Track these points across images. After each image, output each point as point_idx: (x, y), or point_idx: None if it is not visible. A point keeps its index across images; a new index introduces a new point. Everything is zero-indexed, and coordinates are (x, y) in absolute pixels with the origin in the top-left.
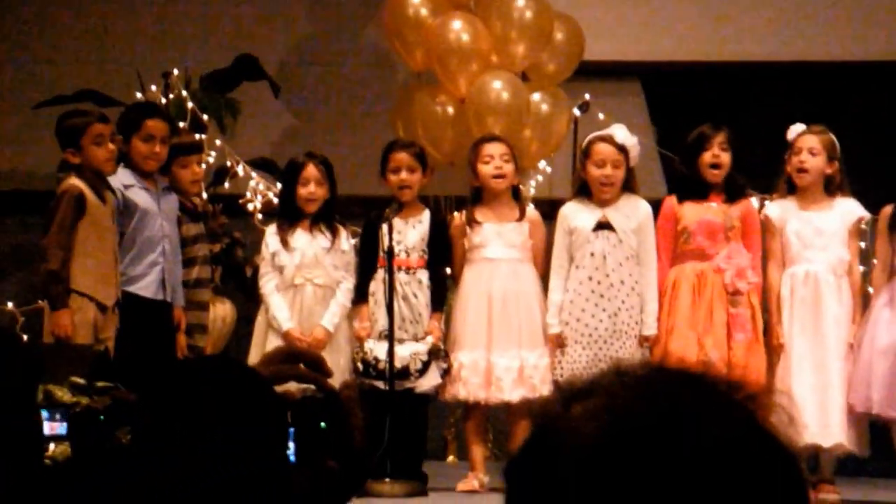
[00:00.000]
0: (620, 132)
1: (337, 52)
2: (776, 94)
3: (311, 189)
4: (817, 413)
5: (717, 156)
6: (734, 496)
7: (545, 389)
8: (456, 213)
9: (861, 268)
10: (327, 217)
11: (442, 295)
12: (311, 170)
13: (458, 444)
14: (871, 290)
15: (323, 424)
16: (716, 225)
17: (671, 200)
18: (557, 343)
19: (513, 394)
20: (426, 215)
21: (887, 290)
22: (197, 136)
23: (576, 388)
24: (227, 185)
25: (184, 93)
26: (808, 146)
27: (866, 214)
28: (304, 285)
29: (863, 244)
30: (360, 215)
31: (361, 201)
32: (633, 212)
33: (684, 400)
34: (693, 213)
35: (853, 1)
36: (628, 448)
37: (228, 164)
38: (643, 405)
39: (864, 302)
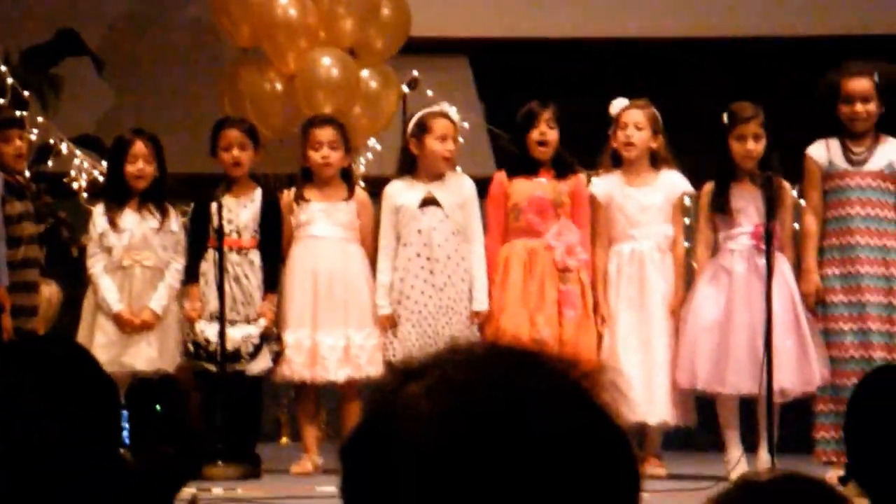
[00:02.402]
0: (449, 109)
1: (162, 26)
2: (603, 70)
3: (140, 166)
4: (643, 389)
5: (544, 133)
6: (569, 472)
7: (372, 370)
8: (286, 191)
9: (686, 244)
10: (156, 196)
11: (274, 275)
12: (140, 147)
13: (292, 426)
14: (695, 265)
15: (158, 407)
16: (546, 202)
17: (501, 177)
18: (389, 324)
19: (338, 373)
20: (258, 194)
21: (710, 267)
22: (18, 113)
23: (410, 367)
24: (50, 163)
25: (2, 68)
26: (634, 121)
27: (689, 189)
28: (133, 267)
29: (687, 220)
30: (190, 194)
31: (190, 180)
32: (458, 188)
33: (519, 378)
34: (523, 189)
35: None
36: (463, 426)
37: (52, 141)
38: (478, 383)
39: (687, 277)
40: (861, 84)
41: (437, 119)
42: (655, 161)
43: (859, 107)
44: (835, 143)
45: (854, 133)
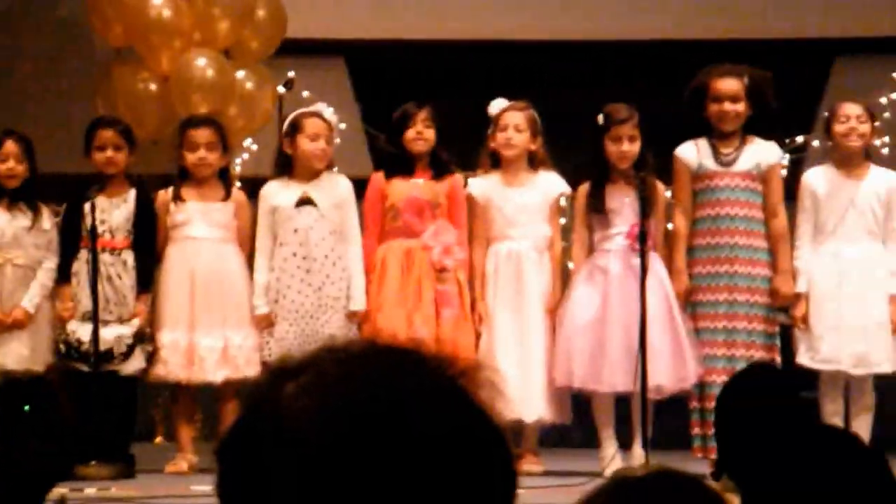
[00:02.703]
0: (325, 109)
1: (34, 25)
2: (480, 72)
3: (10, 165)
4: (520, 387)
5: (420, 132)
6: (447, 469)
7: (250, 370)
8: (162, 191)
9: (562, 242)
10: (27, 195)
11: (148, 276)
12: (10, 146)
13: (167, 425)
14: (571, 265)
15: (27, 407)
16: (423, 202)
17: (378, 178)
18: (265, 323)
19: (216, 374)
20: (132, 194)
21: (586, 266)
22: None
23: (287, 366)
24: None
25: None
26: (514, 122)
27: (567, 189)
28: (5, 266)
29: (563, 220)
30: (63, 194)
31: (63, 179)
32: (334, 188)
33: (397, 376)
34: (400, 190)
35: None
36: (340, 425)
37: None
38: (355, 382)
39: (564, 277)
40: (730, 84)
41: (308, 119)
42: (533, 162)
43: (728, 106)
44: (704, 144)
45: (723, 133)
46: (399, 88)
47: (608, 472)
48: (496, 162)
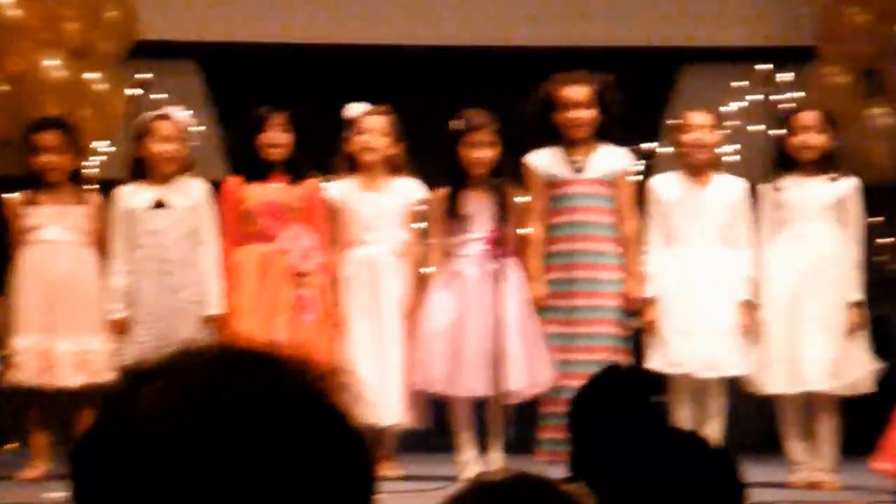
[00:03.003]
0: (178, 112)
1: None
2: (337, 75)
3: None
4: (377, 392)
5: (276, 137)
6: (305, 473)
7: (106, 375)
8: (13, 194)
9: (420, 247)
10: None
11: (1, 280)
12: None
13: (21, 431)
14: (428, 270)
15: None
16: (279, 206)
17: (234, 181)
18: (120, 328)
19: (73, 379)
20: None
21: (444, 272)
22: None
23: (144, 370)
24: None
25: None
26: (374, 126)
27: (424, 194)
28: None
29: (422, 224)
30: None
31: None
32: (189, 191)
33: (254, 380)
34: (256, 194)
35: None
36: (197, 429)
37: None
38: (213, 386)
39: (421, 282)
40: (577, 91)
41: (158, 121)
42: (392, 167)
43: (577, 112)
44: (555, 152)
45: (573, 140)
46: (255, 92)
47: (466, 476)
48: (354, 166)
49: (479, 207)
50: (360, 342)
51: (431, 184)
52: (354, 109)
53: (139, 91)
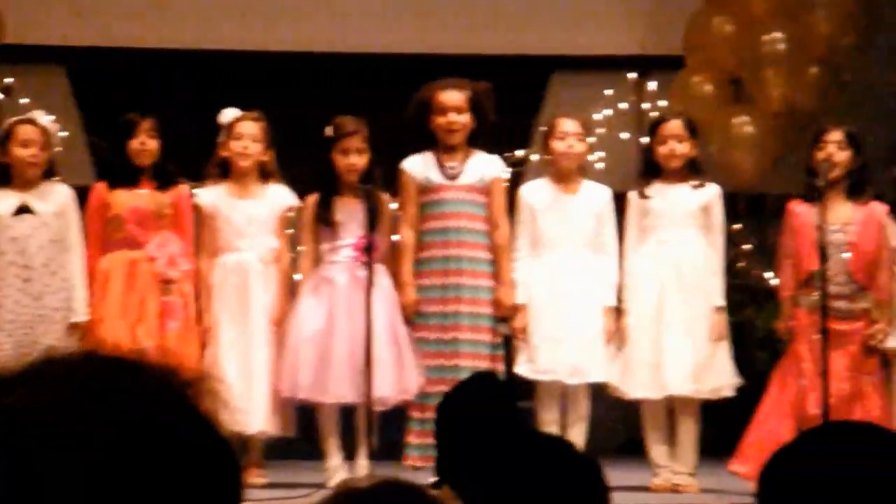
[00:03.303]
0: (42, 117)
1: None
2: (204, 81)
3: None
4: (244, 399)
5: (144, 142)
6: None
7: None
8: None
9: (290, 254)
10: None
11: None
12: None
13: None
14: (298, 276)
15: None
16: (147, 212)
17: (100, 187)
18: None
19: None
20: None
21: (313, 278)
22: None
23: (4, 378)
24: None
25: None
26: (248, 132)
27: (295, 202)
28: None
29: (293, 231)
30: None
31: None
32: (54, 196)
33: (120, 387)
34: (124, 200)
35: None
36: (62, 438)
37: None
38: (77, 393)
39: (291, 288)
40: (453, 96)
41: (20, 126)
42: (263, 173)
43: (452, 117)
44: (429, 157)
45: (448, 146)
46: (122, 97)
47: (332, 483)
48: (225, 172)
49: (349, 214)
50: (228, 349)
51: (302, 190)
52: (228, 115)
53: (1, 96)
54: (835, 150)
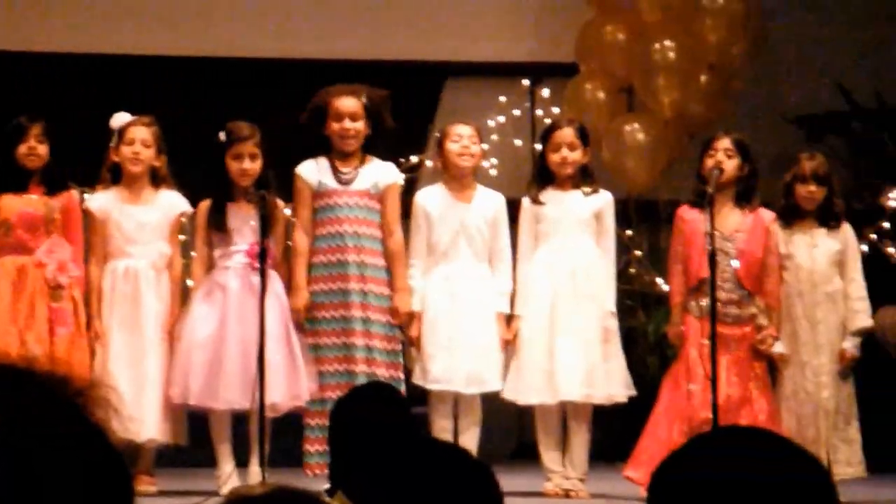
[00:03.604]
0: None
1: None
2: (95, 85)
3: None
4: (135, 406)
5: (33, 147)
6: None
7: None
8: None
9: (182, 260)
10: None
11: None
12: None
13: None
14: (190, 282)
15: None
16: (36, 217)
17: None
18: None
19: None
20: None
21: (206, 284)
22: None
23: None
24: None
25: None
26: (139, 137)
27: (187, 208)
28: None
29: (183, 237)
30: None
31: None
32: None
33: (10, 395)
34: (12, 205)
35: None
36: None
37: None
38: None
39: (184, 294)
40: (349, 103)
41: None
42: (156, 179)
43: (347, 124)
44: (324, 163)
45: (343, 151)
46: (10, 101)
47: (224, 490)
48: (116, 177)
49: (243, 219)
50: (119, 356)
51: (195, 196)
52: (119, 119)
53: None
54: (723, 157)
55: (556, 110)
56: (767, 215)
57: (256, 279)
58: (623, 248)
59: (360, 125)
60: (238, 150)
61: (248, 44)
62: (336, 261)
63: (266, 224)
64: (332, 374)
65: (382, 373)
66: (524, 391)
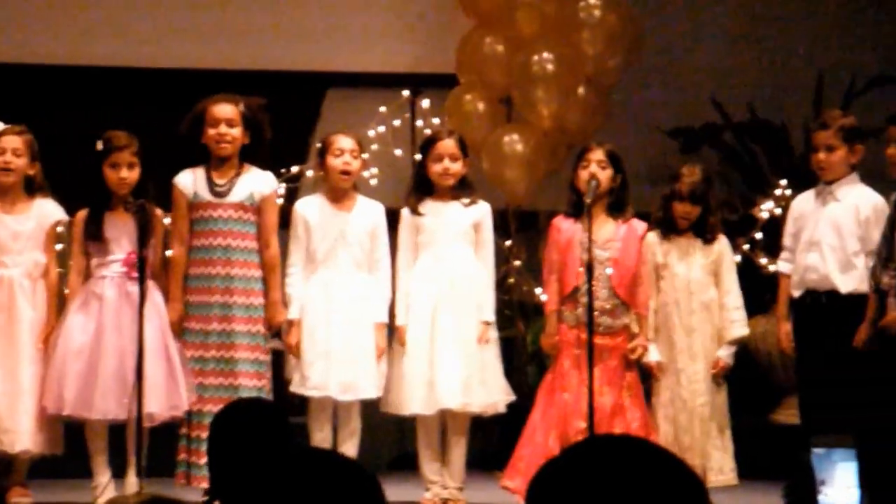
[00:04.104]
0: None
1: None
2: None
3: None
4: (8, 418)
5: None
6: None
7: None
8: None
9: (58, 269)
10: None
11: None
12: None
13: None
14: (66, 291)
15: None
16: None
17: None
18: None
19: None
20: None
21: (82, 293)
22: None
23: None
24: None
25: None
26: (11, 146)
27: (63, 216)
28: None
29: (60, 246)
30: None
31: None
32: None
33: None
34: None
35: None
36: None
37: None
38: None
39: (60, 304)
40: (225, 109)
41: None
42: (30, 188)
43: (223, 129)
44: (201, 173)
45: (219, 159)
46: None
47: (101, 501)
48: None
49: (120, 229)
50: None
51: (72, 205)
52: None
53: None
54: (597, 168)
55: (436, 121)
56: (640, 225)
57: (133, 289)
58: (502, 258)
59: (237, 131)
60: (116, 159)
61: (128, 53)
62: (202, 274)
63: (144, 233)
64: (208, 387)
65: (256, 384)
66: (405, 401)
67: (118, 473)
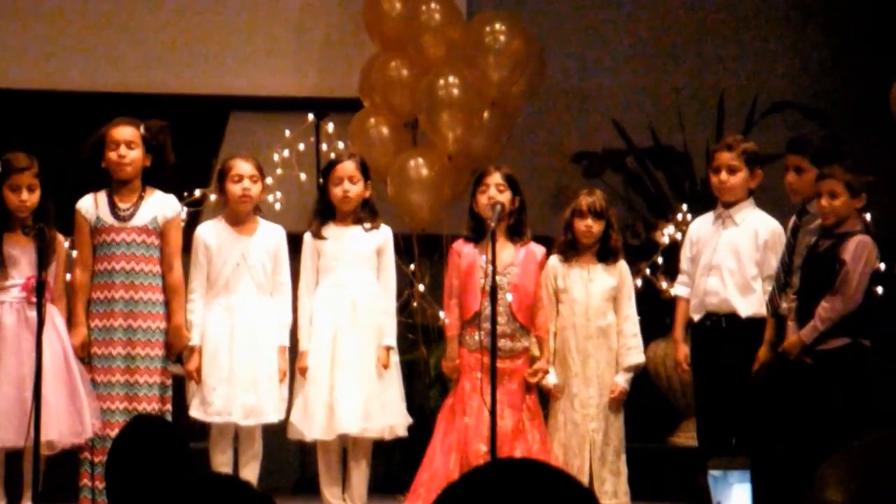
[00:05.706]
0: None
1: None
2: None
3: None
4: None
5: None
6: None
7: None
8: None
9: None
10: None
11: None
12: None
13: None
14: None
15: None
16: None
17: None
18: None
19: None
20: None
21: None
22: None
23: None
24: None
25: None
26: None
27: None
28: None
29: None
30: None
31: None
32: None
33: None
34: None
35: None
36: None
37: None
38: None
39: None
40: (125, 132)
41: None
42: None
43: (122, 150)
44: (102, 197)
45: (120, 181)
46: None
47: None
48: None
49: (20, 252)
50: None
51: None
52: None
53: None
54: (496, 192)
55: (341, 145)
56: (538, 249)
57: (33, 314)
58: (406, 282)
59: (137, 153)
60: (16, 181)
61: (29, 75)
62: (105, 298)
63: (44, 257)
64: (112, 412)
65: (147, 407)
66: (308, 426)
67: (14, 499)
